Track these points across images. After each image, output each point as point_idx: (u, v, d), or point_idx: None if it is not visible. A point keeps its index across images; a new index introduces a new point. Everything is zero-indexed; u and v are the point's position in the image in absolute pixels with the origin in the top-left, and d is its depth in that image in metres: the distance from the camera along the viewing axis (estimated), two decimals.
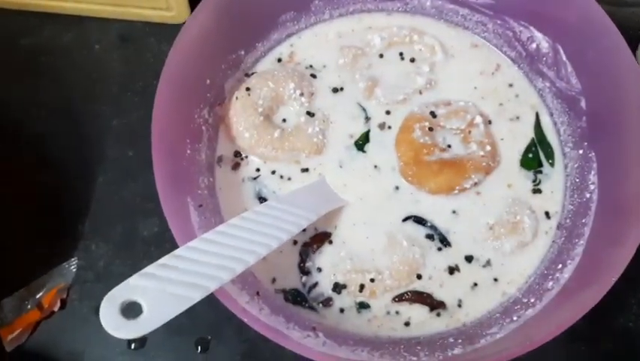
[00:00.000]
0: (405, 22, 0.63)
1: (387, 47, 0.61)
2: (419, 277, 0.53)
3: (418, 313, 0.52)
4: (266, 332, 0.43)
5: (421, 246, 0.54)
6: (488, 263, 0.54)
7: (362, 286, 0.52)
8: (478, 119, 0.57)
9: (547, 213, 0.55)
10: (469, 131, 0.57)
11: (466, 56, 0.62)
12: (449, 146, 0.57)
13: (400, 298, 0.52)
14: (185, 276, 0.39)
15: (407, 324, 0.51)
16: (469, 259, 0.54)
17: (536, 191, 0.56)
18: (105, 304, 0.36)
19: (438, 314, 0.52)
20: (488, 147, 0.56)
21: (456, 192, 0.55)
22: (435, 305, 0.52)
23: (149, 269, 0.39)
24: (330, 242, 0.54)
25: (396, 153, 0.57)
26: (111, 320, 0.36)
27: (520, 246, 0.54)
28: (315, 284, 0.53)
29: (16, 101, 0.64)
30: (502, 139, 0.58)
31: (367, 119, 0.59)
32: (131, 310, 0.37)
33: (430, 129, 0.57)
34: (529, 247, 0.54)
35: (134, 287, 0.38)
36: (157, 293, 0.38)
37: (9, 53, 0.67)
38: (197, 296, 0.39)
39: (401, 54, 0.61)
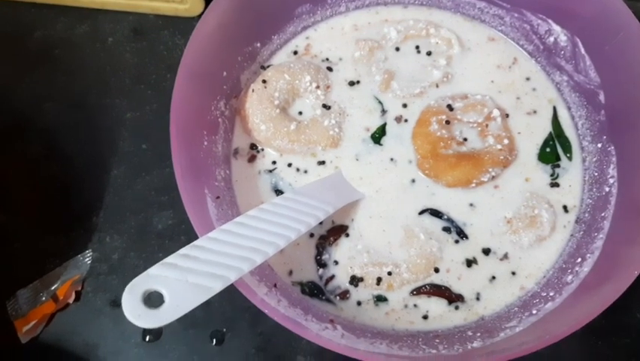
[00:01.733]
0: (421, 16, 0.62)
1: (404, 40, 0.61)
2: (437, 270, 0.53)
3: (436, 306, 0.52)
4: (286, 323, 0.43)
5: (438, 239, 0.53)
6: (506, 257, 0.53)
7: (379, 280, 0.52)
8: (496, 113, 0.57)
9: (565, 207, 0.55)
10: (487, 125, 0.57)
11: (483, 49, 0.61)
12: (466, 139, 0.57)
13: (417, 292, 0.52)
14: (206, 266, 0.39)
15: (425, 317, 0.51)
16: (486, 252, 0.53)
17: (554, 185, 0.56)
18: (127, 292, 0.36)
19: (456, 307, 0.52)
20: (506, 141, 0.56)
21: (473, 185, 0.55)
22: (453, 298, 0.52)
23: (171, 259, 0.38)
24: (347, 235, 0.54)
25: (413, 146, 0.57)
26: (133, 309, 0.36)
27: (539, 240, 0.53)
28: (332, 277, 0.53)
29: (29, 94, 0.64)
30: (519, 133, 0.57)
31: (384, 112, 0.58)
32: (152, 300, 0.37)
33: (447, 123, 0.57)
34: (547, 241, 0.54)
35: (155, 277, 0.37)
36: (179, 283, 0.38)
37: (22, 45, 0.67)
38: (218, 287, 0.39)
39: (417, 47, 0.61)
